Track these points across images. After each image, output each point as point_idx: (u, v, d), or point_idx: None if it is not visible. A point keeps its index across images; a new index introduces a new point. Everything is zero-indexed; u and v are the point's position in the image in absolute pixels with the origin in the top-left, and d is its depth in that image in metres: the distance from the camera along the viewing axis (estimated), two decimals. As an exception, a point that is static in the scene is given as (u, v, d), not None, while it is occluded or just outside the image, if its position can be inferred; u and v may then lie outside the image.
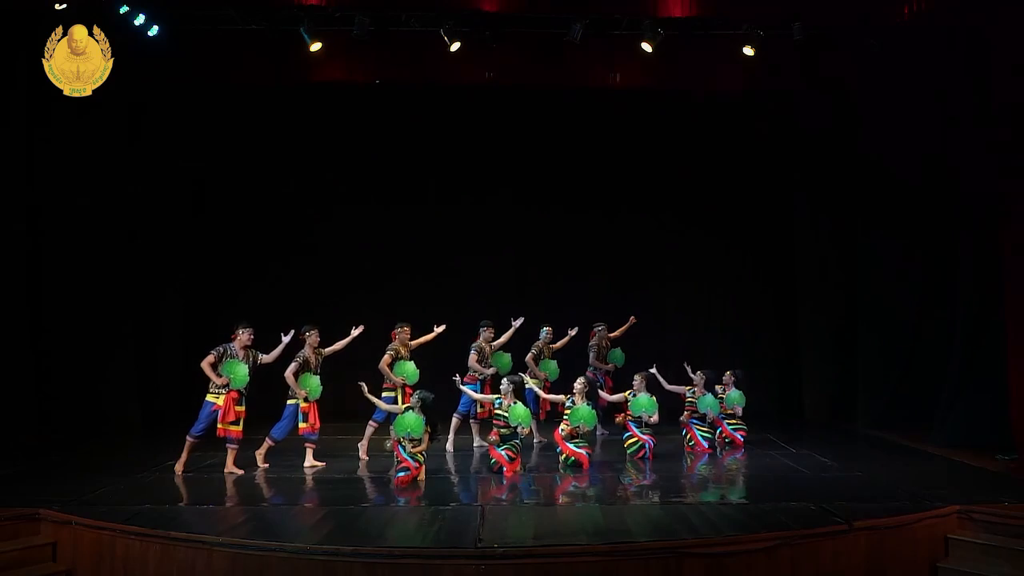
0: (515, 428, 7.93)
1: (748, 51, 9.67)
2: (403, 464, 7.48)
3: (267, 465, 8.12)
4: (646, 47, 9.63)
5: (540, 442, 9.36)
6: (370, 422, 8.59)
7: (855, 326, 10.87)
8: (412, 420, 7.51)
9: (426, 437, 7.58)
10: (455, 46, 9.66)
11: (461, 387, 8.62)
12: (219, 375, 7.68)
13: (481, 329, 9.08)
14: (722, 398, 9.27)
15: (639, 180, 11.99)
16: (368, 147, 11.74)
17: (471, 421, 9.08)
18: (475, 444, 9.10)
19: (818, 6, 9.17)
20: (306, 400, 7.99)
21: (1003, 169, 8.42)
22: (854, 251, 10.88)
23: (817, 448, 9.04)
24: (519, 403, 8.08)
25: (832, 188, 11.18)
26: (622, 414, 8.86)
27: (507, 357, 9.20)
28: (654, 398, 8.68)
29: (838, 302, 11.18)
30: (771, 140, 11.82)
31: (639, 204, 12.03)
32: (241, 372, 7.71)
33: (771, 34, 9.54)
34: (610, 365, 9.93)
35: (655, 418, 8.63)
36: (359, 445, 8.60)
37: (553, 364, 9.44)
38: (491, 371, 8.91)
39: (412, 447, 7.50)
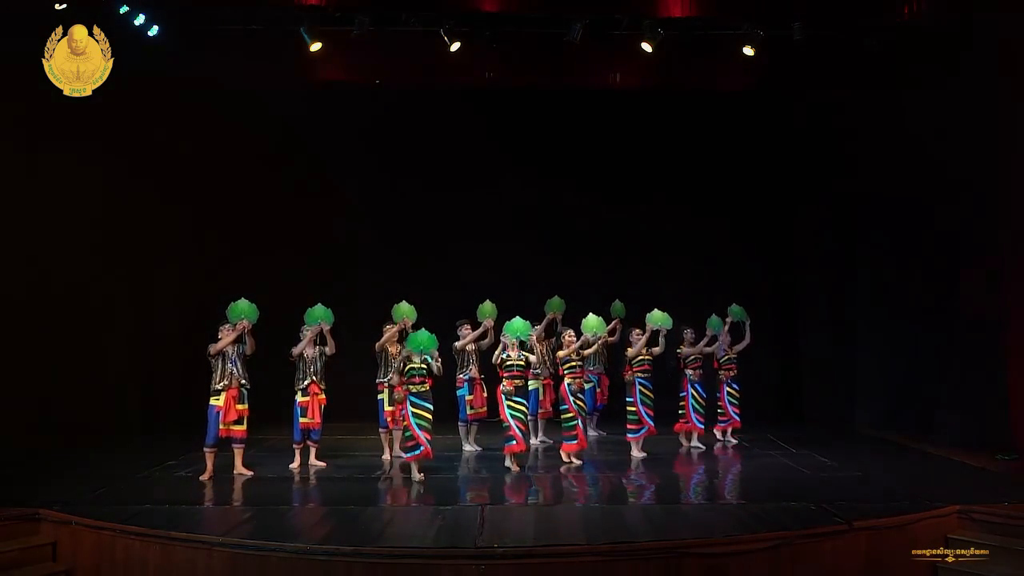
0: (527, 374, 8.01)
1: (748, 51, 9.67)
2: (416, 441, 7.49)
3: (324, 464, 8.22)
4: (646, 47, 9.63)
5: (543, 442, 9.36)
6: (380, 430, 8.61)
7: (855, 326, 10.87)
8: (425, 337, 7.52)
9: (436, 364, 7.66)
10: (455, 46, 9.66)
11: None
12: (232, 328, 7.68)
13: (458, 329, 9.01)
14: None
15: (639, 180, 11.97)
16: (367, 147, 11.72)
17: (460, 424, 9.09)
18: (465, 447, 9.07)
19: (818, 6, 9.17)
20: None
21: (1004, 169, 8.42)
22: (854, 250, 10.88)
23: (817, 448, 9.04)
24: (516, 318, 8.04)
25: (832, 188, 11.17)
26: (629, 367, 8.89)
27: (489, 306, 9.02)
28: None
29: (838, 301, 11.18)
30: (771, 140, 11.81)
31: (638, 204, 12.00)
32: (242, 306, 7.74)
33: (771, 34, 9.54)
34: (614, 321, 9.77)
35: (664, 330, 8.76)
36: (383, 459, 8.57)
37: (557, 299, 9.41)
38: (476, 335, 8.80)
39: (424, 391, 7.51)
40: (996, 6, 8.35)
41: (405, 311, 8.44)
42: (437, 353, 7.66)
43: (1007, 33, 8.29)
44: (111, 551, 6.11)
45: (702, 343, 9.22)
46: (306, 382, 8.06)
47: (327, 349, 8.14)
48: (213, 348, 7.68)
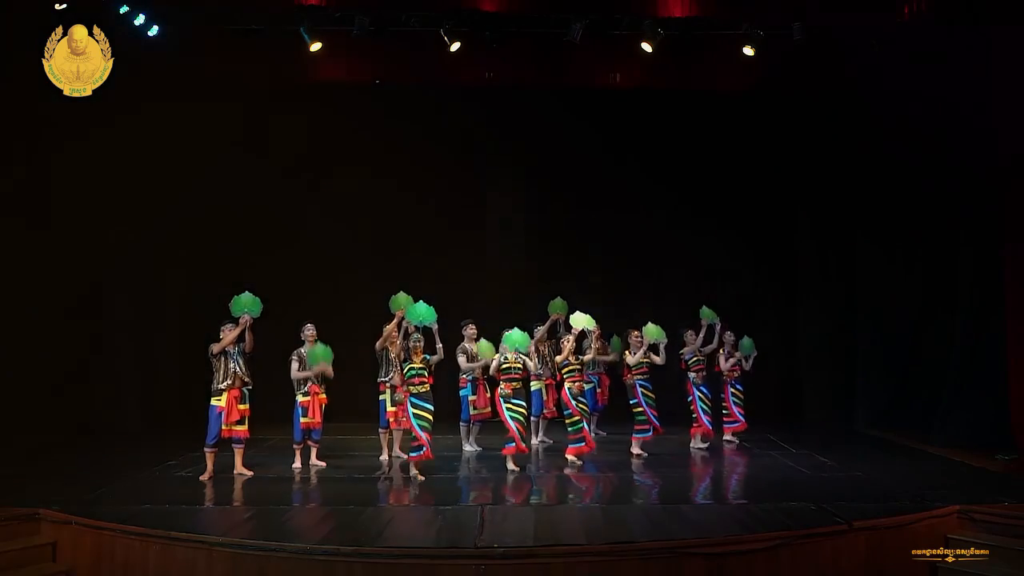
0: (524, 375, 8.03)
1: (748, 51, 9.66)
2: (419, 442, 7.48)
3: (324, 464, 8.21)
4: (646, 47, 9.63)
5: (543, 442, 9.36)
6: (380, 430, 8.61)
7: (855, 326, 10.87)
8: (424, 308, 7.53)
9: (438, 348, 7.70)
10: (455, 46, 9.66)
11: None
12: (234, 326, 7.63)
13: (463, 329, 8.95)
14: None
15: (639, 180, 11.98)
16: (367, 147, 11.72)
17: (461, 424, 9.09)
18: (466, 448, 9.08)
19: (818, 6, 9.17)
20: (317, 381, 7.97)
21: (1003, 170, 8.42)
22: (855, 250, 10.88)
23: (817, 448, 9.04)
24: (515, 329, 8.06)
25: (833, 188, 11.17)
26: (628, 372, 8.88)
27: (486, 344, 8.78)
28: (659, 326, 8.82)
29: (838, 302, 11.18)
30: (771, 141, 11.81)
31: (638, 204, 12.02)
32: (245, 299, 7.68)
33: (771, 34, 9.54)
34: (612, 355, 9.63)
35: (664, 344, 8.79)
36: (381, 459, 8.55)
37: (560, 300, 9.31)
38: (480, 364, 8.62)
39: (424, 391, 7.47)
40: (995, 6, 8.35)
41: (403, 301, 8.30)
42: (437, 326, 7.64)
43: (1006, 32, 8.29)
44: (111, 551, 6.11)
45: (700, 337, 9.18)
46: (307, 382, 8.05)
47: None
48: (216, 347, 7.65)
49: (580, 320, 8.42)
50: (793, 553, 5.86)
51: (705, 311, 9.31)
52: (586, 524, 6.16)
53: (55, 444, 9.00)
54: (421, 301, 7.72)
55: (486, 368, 8.62)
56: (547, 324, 9.07)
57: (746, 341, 9.42)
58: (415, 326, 7.70)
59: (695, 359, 9.13)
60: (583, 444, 8.19)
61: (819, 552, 5.96)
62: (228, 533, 5.96)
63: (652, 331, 8.81)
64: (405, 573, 5.58)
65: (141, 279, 10.56)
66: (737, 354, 9.35)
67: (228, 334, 7.65)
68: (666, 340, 8.83)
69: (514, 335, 7.98)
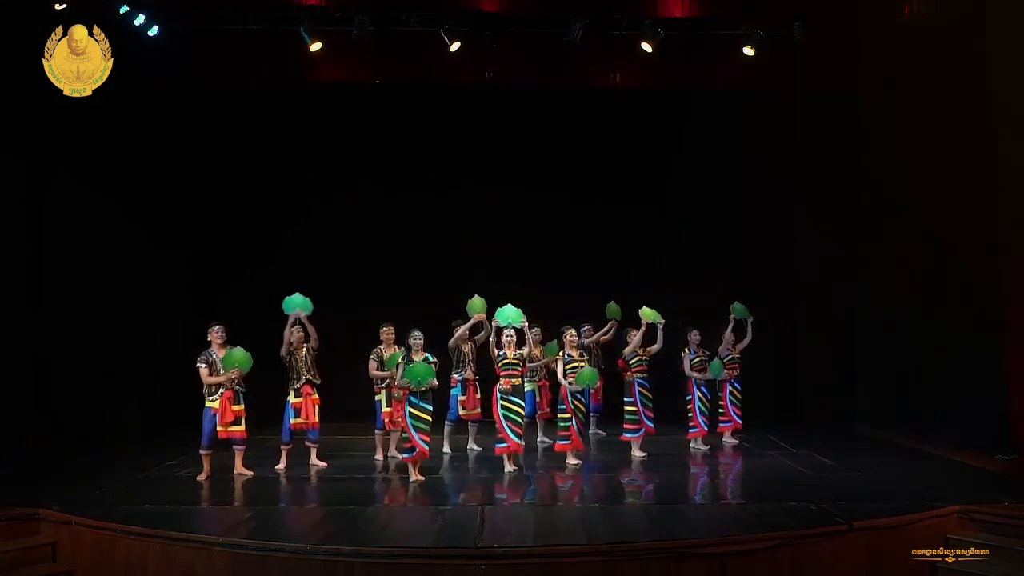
0: (525, 370, 8.08)
1: (748, 51, 9.67)
2: (412, 443, 7.49)
3: (324, 464, 8.19)
4: (646, 47, 9.63)
5: (542, 443, 9.36)
6: (376, 431, 8.60)
7: (855, 325, 10.86)
8: (422, 368, 7.49)
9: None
10: (455, 46, 9.67)
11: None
12: (224, 372, 7.62)
13: (454, 330, 8.88)
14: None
15: (638, 180, 11.98)
16: (368, 147, 11.73)
17: (447, 423, 9.04)
18: (467, 447, 9.07)
19: (818, 6, 9.18)
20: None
21: (1003, 168, 8.42)
22: (854, 250, 10.87)
23: (817, 448, 9.04)
24: (508, 305, 8.06)
25: (832, 188, 11.16)
26: (626, 368, 8.87)
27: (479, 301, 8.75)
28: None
29: (838, 301, 11.17)
30: (771, 140, 11.79)
31: (638, 204, 12.01)
32: (238, 355, 7.66)
33: (771, 34, 9.54)
34: (611, 321, 9.65)
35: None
36: (376, 460, 8.55)
37: (553, 345, 9.15)
38: (463, 331, 8.62)
39: (423, 391, 7.49)
40: (994, 5, 8.35)
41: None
42: (436, 382, 7.62)
43: (1005, 31, 8.29)
44: (111, 551, 6.11)
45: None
46: (299, 383, 8.03)
47: (312, 344, 8.03)
48: (206, 379, 7.65)
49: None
50: (793, 553, 5.86)
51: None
52: (586, 524, 6.16)
53: (55, 444, 8.99)
54: (420, 363, 7.62)
55: (477, 328, 8.53)
56: (536, 385, 9.11)
57: (737, 305, 9.43)
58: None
59: (698, 359, 9.11)
60: (567, 443, 8.14)
61: (819, 552, 5.96)
62: (228, 533, 5.96)
63: (648, 313, 8.69)
64: (405, 573, 5.58)
65: (141, 278, 10.56)
66: (731, 318, 9.39)
67: (226, 375, 7.63)
68: (663, 321, 8.76)
69: (506, 310, 7.93)
